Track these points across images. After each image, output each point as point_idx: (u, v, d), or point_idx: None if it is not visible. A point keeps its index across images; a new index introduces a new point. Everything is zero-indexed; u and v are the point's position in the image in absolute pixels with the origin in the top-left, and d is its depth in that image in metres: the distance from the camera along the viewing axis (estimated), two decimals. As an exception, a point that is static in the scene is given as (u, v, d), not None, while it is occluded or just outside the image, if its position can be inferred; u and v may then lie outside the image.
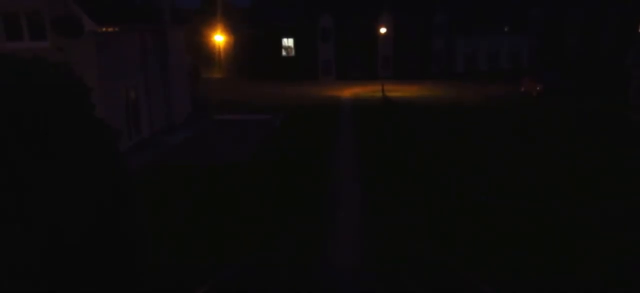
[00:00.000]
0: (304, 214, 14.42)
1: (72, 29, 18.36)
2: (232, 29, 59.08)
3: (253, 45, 56.13)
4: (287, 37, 55.82)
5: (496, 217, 13.78)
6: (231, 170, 18.78)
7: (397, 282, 10.53)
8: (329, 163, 20.16)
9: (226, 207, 15.04)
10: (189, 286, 10.28)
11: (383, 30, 51.54)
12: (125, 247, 9.53)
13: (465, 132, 25.39)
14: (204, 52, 64.56)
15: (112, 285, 8.46)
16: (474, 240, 12.36)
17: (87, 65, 17.58)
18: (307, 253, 11.95)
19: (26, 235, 5.58)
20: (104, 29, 18.72)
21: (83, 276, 8.32)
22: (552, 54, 57.68)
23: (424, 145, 22.94)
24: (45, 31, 18.48)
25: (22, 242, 5.67)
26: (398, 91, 42.92)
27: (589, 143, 22.41)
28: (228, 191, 16.48)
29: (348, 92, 44.35)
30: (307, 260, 11.63)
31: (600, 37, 58.41)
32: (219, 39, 60.12)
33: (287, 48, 56.25)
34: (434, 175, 18.09)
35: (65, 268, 7.07)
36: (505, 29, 56.62)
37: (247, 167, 19.41)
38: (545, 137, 23.95)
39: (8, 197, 5.27)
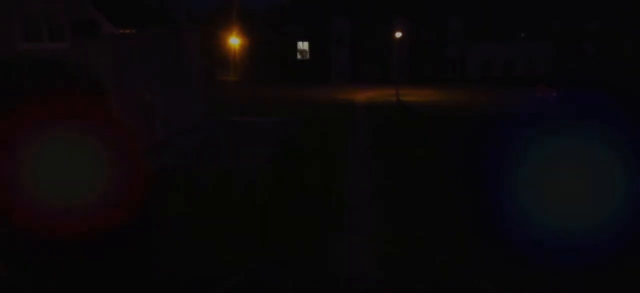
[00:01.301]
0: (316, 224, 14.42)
1: (90, 31, 18.56)
2: (247, 32, 59.36)
3: (268, 49, 56.35)
4: (302, 40, 55.94)
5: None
6: (246, 175, 18.81)
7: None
8: (343, 172, 20.11)
9: (235, 213, 15.07)
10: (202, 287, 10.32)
11: (398, 34, 51.48)
12: (140, 248, 9.58)
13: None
14: (219, 55, 64.90)
15: (126, 286, 8.51)
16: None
17: (104, 67, 17.76)
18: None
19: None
20: (121, 31, 18.90)
21: (98, 276, 8.37)
22: (569, 61, 57.16)
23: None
24: (64, 32, 18.71)
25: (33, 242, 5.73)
26: (413, 96, 42.80)
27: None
28: (242, 196, 16.52)
29: (362, 96, 44.32)
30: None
31: (616, 46, 57.76)
32: (234, 42, 60.42)
33: (302, 52, 56.37)
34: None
35: (82, 268, 7.13)
36: (522, 36, 56.28)
37: (262, 171, 19.44)
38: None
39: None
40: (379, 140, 25.30)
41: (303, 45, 56.23)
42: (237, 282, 10.78)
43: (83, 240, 11.43)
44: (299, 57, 56.49)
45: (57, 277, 7.74)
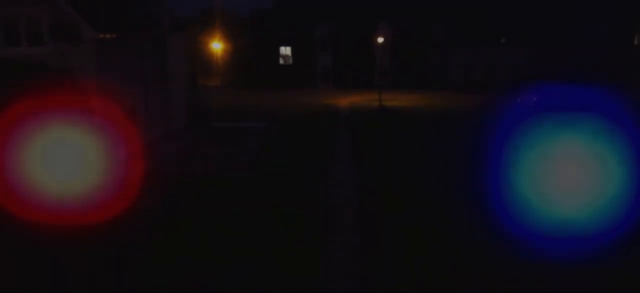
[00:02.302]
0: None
1: (71, 35, 18.38)
2: (230, 37, 59.19)
3: (251, 54, 56.23)
4: (285, 45, 55.98)
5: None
6: (227, 181, 18.76)
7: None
8: (325, 175, 20.15)
9: (220, 220, 15.04)
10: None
11: (380, 39, 51.75)
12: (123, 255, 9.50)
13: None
14: (202, 59, 64.54)
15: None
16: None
17: (85, 72, 17.60)
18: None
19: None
20: (102, 36, 18.75)
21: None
22: (549, 66, 57.94)
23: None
24: (43, 37, 18.49)
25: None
26: (396, 101, 43.03)
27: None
28: (222, 203, 16.47)
29: (345, 100, 44.44)
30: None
31: (595, 52, 58.68)
32: (217, 46, 60.21)
33: (285, 56, 56.40)
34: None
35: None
36: (502, 41, 56.96)
37: (244, 176, 19.41)
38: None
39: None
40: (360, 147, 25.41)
41: (286, 50, 56.27)
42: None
43: (58, 236, 11.37)
44: (281, 61, 56.51)
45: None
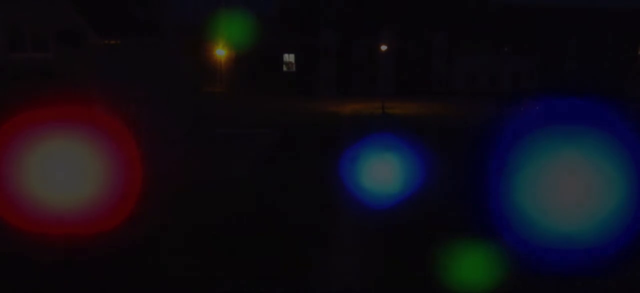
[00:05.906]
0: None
1: (74, 41, 18.47)
2: (233, 43, 59.28)
3: (254, 60, 56.41)
4: (289, 52, 56.15)
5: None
6: (229, 186, 18.78)
7: None
8: (325, 182, 20.13)
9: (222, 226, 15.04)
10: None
11: (384, 47, 51.88)
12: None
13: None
14: (205, 66, 64.68)
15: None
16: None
17: (88, 76, 17.67)
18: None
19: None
20: (106, 41, 18.84)
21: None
22: (552, 76, 57.97)
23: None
24: (48, 42, 18.58)
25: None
26: (399, 109, 43.01)
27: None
28: (223, 209, 16.48)
29: (348, 108, 44.44)
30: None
31: (598, 62, 58.73)
32: (221, 53, 60.36)
33: (288, 63, 56.54)
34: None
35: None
36: (505, 50, 57.05)
37: (246, 183, 19.44)
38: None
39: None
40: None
41: (289, 57, 56.44)
42: None
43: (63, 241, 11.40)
44: (285, 69, 56.67)
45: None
